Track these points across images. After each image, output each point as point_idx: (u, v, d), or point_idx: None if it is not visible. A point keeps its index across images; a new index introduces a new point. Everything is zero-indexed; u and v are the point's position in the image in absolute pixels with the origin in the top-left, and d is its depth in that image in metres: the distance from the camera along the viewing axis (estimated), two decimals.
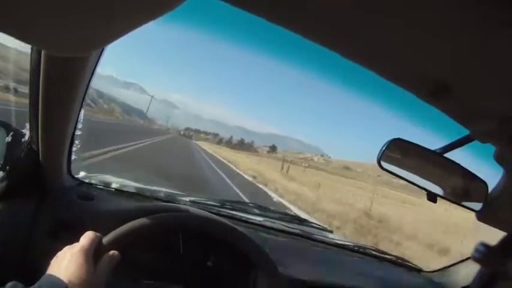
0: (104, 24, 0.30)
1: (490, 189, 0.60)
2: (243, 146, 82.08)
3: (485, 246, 0.44)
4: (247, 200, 5.27)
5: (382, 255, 1.33)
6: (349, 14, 0.40)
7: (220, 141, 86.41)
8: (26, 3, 0.24)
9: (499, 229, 0.51)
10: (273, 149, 74.38)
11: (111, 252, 0.70)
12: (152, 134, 25.42)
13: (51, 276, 0.61)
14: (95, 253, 0.67)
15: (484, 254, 0.43)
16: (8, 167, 0.86)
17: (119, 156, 8.27)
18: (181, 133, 70.90)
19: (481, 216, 0.59)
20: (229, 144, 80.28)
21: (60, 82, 0.73)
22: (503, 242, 0.45)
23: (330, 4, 0.39)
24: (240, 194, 9.22)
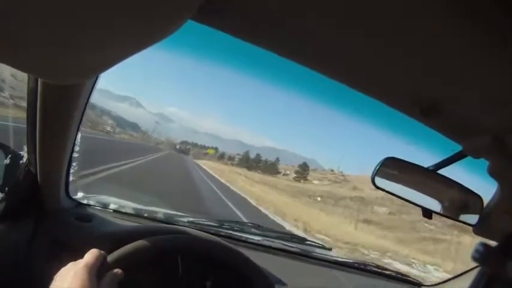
0: (99, 53, 0.32)
1: (485, 203, 0.61)
2: (259, 164, 54.12)
3: (485, 246, 0.43)
4: None
5: (382, 271, 1.31)
6: (339, 38, 0.41)
7: (221, 157, 66.47)
8: (22, 33, 0.25)
9: (497, 242, 0.51)
10: (304, 169, 43.59)
11: (115, 270, 0.70)
12: (137, 153, 16.85)
13: None
14: (98, 270, 0.67)
15: (484, 255, 0.43)
16: (6, 189, 0.86)
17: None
18: (177, 147, 61.81)
19: (478, 230, 0.60)
20: (241, 163, 53.83)
21: (57, 106, 0.74)
22: (503, 243, 0.45)
23: (320, 29, 0.40)
24: None
